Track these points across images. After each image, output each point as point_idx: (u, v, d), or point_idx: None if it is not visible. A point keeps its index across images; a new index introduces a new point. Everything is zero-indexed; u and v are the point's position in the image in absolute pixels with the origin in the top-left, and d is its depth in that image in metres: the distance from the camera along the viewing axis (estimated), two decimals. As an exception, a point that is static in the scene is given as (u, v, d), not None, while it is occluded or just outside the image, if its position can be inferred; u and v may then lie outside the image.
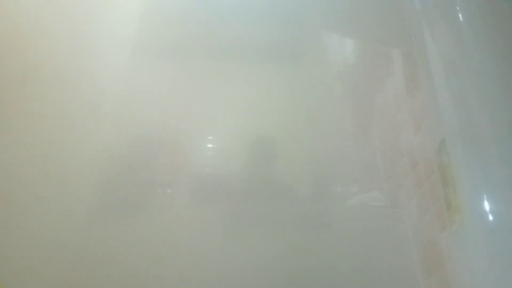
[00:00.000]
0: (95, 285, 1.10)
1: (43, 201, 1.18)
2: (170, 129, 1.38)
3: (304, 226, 1.24)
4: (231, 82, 1.49)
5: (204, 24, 1.54)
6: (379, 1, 1.34)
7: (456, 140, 0.84)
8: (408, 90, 1.19)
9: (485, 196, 0.75)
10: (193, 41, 1.53)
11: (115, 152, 1.31)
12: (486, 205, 0.74)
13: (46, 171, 1.22)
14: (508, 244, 0.71)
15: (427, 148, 1.03)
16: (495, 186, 0.75)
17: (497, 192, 0.75)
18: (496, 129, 0.79)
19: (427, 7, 1.00)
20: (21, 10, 1.37)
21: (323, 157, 1.39)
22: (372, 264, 1.15)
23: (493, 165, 0.76)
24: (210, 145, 1.41)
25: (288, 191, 1.34)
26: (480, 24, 0.88)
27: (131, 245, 1.15)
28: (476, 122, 0.81)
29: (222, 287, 1.13)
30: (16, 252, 1.10)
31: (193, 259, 1.15)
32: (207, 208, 1.27)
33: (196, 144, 1.39)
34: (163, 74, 1.46)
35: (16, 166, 1.21)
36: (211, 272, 1.13)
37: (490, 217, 0.73)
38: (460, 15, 0.89)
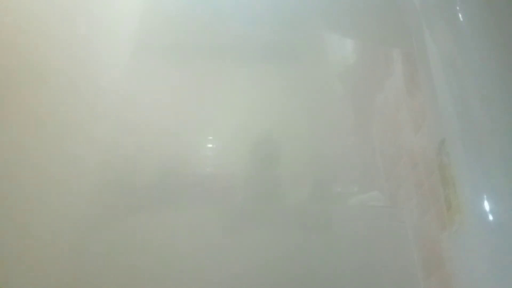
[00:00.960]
0: (95, 285, 1.10)
1: (43, 201, 1.18)
2: (170, 129, 1.38)
3: (304, 226, 1.24)
4: (231, 82, 1.49)
5: (204, 24, 1.54)
6: (379, 1, 1.34)
7: (456, 140, 0.84)
8: (408, 90, 1.19)
9: (485, 196, 0.75)
10: (193, 41, 1.53)
11: (115, 152, 1.31)
12: (486, 205, 0.74)
13: (46, 171, 1.22)
14: (508, 244, 0.71)
15: (427, 148, 1.03)
16: (495, 186, 0.75)
17: (497, 192, 0.75)
18: (496, 129, 0.79)
19: (427, 7, 1.00)
20: (21, 10, 1.36)
21: (323, 157, 1.39)
22: (372, 264, 1.15)
23: (493, 165, 0.76)
24: (210, 145, 1.41)
25: (288, 191, 1.34)
26: (480, 24, 0.88)
27: (131, 245, 1.15)
28: (476, 122, 0.81)
29: (222, 287, 1.13)
30: (16, 252, 1.10)
31: (193, 259, 1.15)
32: (207, 208, 1.27)
33: (196, 144, 1.39)
34: (163, 74, 1.46)
35: (16, 166, 1.21)
36: (211, 272, 1.13)
37: (490, 217, 0.73)
38: (460, 15, 0.89)
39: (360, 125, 1.48)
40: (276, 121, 1.42)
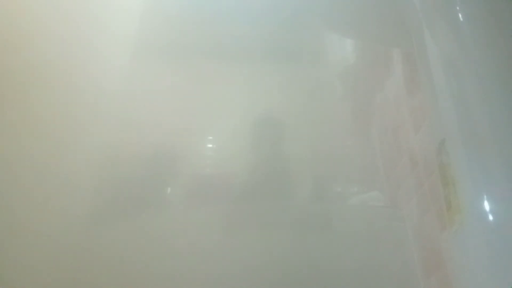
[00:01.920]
0: (96, 285, 1.10)
1: (43, 201, 1.18)
2: (170, 128, 1.38)
3: (304, 226, 1.24)
4: (231, 81, 1.49)
5: (204, 24, 1.54)
6: (379, 1, 1.34)
7: (456, 140, 0.84)
8: (408, 90, 1.19)
9: (485, 196, 0.75)
10: (193, 41, 1.53)
11: (115, 151, 1.31)
12: (486, 205, 0.74)
13: (46, 171, 1.22)
14: (508, 244, 0.71)
15: (427, 148, 1.03)
16: (495, 186, 0.75)
17: (497, 192, 0.75)
18: (496, 129, 0.79)
19: (427, 7, 1.00)
20: (21, 10, 1.37)
21: (323, 157, 1.39)
22: (372, 264, 1.15)
23: (493, 165, 0.76)
24: (210, 145, 1.41)
25: (288, 191, 1.34)
26: (480, 24, 0.88)
27: (131, 245, 1.15)
28: (476, 122, 0.81)
29: (222, 287, 1.13)
30: (16, 252, 1.10)
31: (193, 259, 1.15)
32: (207, 208, 1.27)
33: (196, 144, 1.39)
34: (163, 74, 1.46)
35: (16, 166, 1.21)
36: (211, 272, 1.13)
37: (490, 217, 0.73)
38: (460, 15, 0.89)
39: (360, 125, 1.48)
40: (276, 121, 1.42)
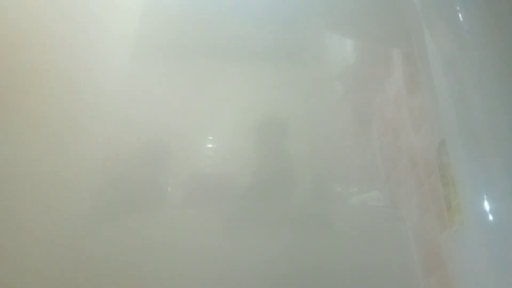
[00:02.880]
0: (95, 285, 1.10)
1: (43, 202, 1.18)
2: (170, 129, 1.38)
3: (304, 226, 1.24)
4: (231, 82, 1.49)
5: (204, 24, 1.54)
6: (379, 1, 1.34)
7: (456, 140, 0.84)
8: (408, 90, 1.19)
9: (485, 196, 0.75)
10: (193, 41, 1.53)
11: (115, 152, 1.31)
12: (486, 205, 0.74)
13: (46, 171, 1.22)
14: (508, 244, 0.71)
15: (427, 148, 1.03)
16: (495, 186, 0.75)
17: (497, 192, 0.75)
18: (496, 129, 0.79)
19: (427, 7, 1.00)
20: (21, 10, 1.36)
21: (323, 157, 1.39)
22: (372, 264, 1.15)
23: (493, 165, 0.76)
24: (210, 145, 1.41)
25: (288, 191, 1.34)
26: (480, 24, 0.88)
27: (130, 245, 1.15)
28: (476, 122, 0.81)
29: (222, 287, 1.13)
30: (16, 252, 1.10)
31: (193, 259, 1.15)
32: (207, 208, 1.27)
33: (196, 144, 1.39)
34: (163, 74, 1.46)
35: (16, 166, 1.21)
36: (211, 272, 1.13)
37: (490, 217, 0.73)
38: (460, 15, 0.89)
39: (360, 125, 1.48)
40: (276, 121, 1.42)
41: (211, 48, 1.54)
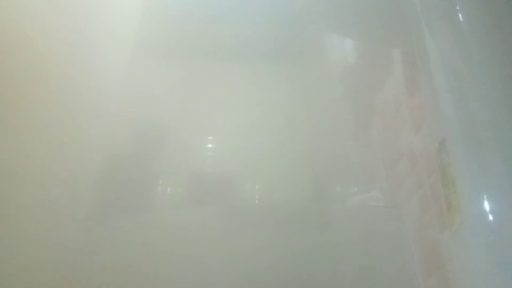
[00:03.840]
0: (95, 285, 1.10)
1: (43, 201, 1.18)
2: (170, 128, 1.38)
3: (304, 226, 1.24)
4: (231, 82, 1.49)
5: (204, 24, 1.54)
6: (379, 1, 1.34)
7: (456, 140, 0.84)
8: (408, 90, 1.19)
9: (485, 196, 0.75)
10: (194, 41, 1.53)
11: (115, 151, 1.31)
12: (486, 205, 0.74)
13: (45, 171, 1.22)
14: (508, 244, 0.71)
15: (427, 148, 1.03)
16: (495, 186, 0.75)
17: (497, 192, 0.75)
18: (496, 129, 0.79)
19: (427, 7, 1.00)
20: (21, 10, 1.36)
21: (323, 157, 1.39)
22: (372, 264, 1.15)
23: (493, 165, 0.76)
24: (210, 145, 1.41)
25: (288, 191, 1.34)
26: (480, 24, 0.88)
27: (130, 245, 1.15)
28: (476, 122, 0.81)
29: (222, 287, 1.13)
30: (16, 252, 1.10)
31: (193, 259, 1.15)
32: (207, 208, 1.27)
33: (196, 144, 1.39)
34: (163, 74, 1.46)
35: (15, 166, 1.21)
36: (210, 272, 1.13)
37: (490, 217, 0.73)
38: (460, 15, 0.89)
39: (360, 125, 1.48)
40: (276, 120, 1.42)
41: (211, 48, 1.54)
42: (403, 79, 1.23)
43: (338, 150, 1.41)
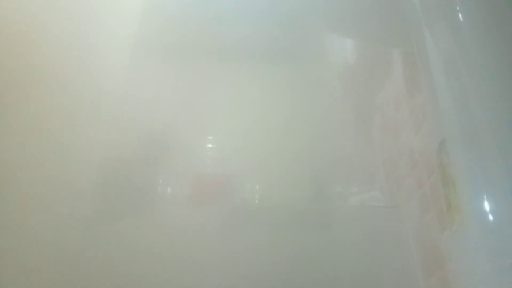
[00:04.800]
0: (95, 285, 1.10)
1: (43, 202, 1.18)
2: (170, 129, 1.38)
3: (304, 226, 1.24)
4: (232, 82, 1.49)
5: (204, 24, 1.54)
6: (379, 1, 1.34)
7: (456, 140, 0.84)
8: (408, 90, 1.19)
9: (485, 196, 0.75)
10: (194, 41, 1.53)
11: (115, 152, 1.31)
12: (486, 205, 0.74)
13: (46, 171, 1.21)
14: (508, 244, 0.71)
15: (427, 148, 1.03)
16: (495, 186, 0.75)
17: (497, 192, 0.75)
18: (496, 129, 0.79)
19: (427, 7, 1.00)
20: (21, 10, 1.36)
21: (324, 157, 1.39)
22: (372, 264, 1.15)
23: (493, 165, 0.76)
24: (210, 145, 1.41)
25: (288, 191, 1.34)
26: (480, 24, 0.88)
27: (130, 245, 1.15)
28: (476, 122, 0.81)
29: (222, 287, 1.13)
30: (16, 253, 1.10)
31: (193, 259, 1.15)
32: (207, 208, 1.27)
33: (196, 144, 1.39)
34: (163, 74, 1.46)
35: (16, 166, 1.21)
36: (211, 272, 1.13)
37: (490, 217, 0.73)
38: (460, 15, 0.89)
39: (360, 125, 1.48)
40: (276, 120, 1.42)
41: (211, 48, 1.54)
42: (403, 79, 1.23)
43: (338, 150, 1.41)
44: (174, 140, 1.37)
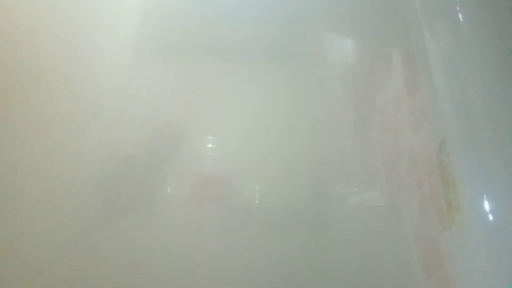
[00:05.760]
0: (95, 285, 1.10)
1: (43, 202, 1.17)
2: (170, 129, 1.38)
3: (304, 226, 1.24)
4: (232, 82, 1.49)
5: (204, 24, 1.54)
6: (379, 1, 1.34)
7: (456, 140, 0.84)
8: (408, 90, 1.19)
9: (485, 196, 0.75)
10: (194, 41, 1.53)
11: (115, 152, 1.31)
12: (486, 205, 0.74)
13: (46, 171, 1.21)
14: (508, 244, 0.71)
15: (427, 148, 1.03)
16: (495, 186, 0.75)
17: (497, 192, 0.75)
18: (496, 129, 0.79)
19: (427, 7, 1.00)
20: (21, 10, 1.36)
21: (324, 157, 1.39)
22: (372, 264, 1.15)
23: (493, 165, 0.76)
24: (210, 145, 1.41)
25: (288, 191, 1.34)
26: (480, 24, 0.88)
27: (130, 244, 1.15)
28: (476, 122, 0.81)
29: (222, 287, 1.13)
30: (16, 252, 1.10)
31: (193, 259, 1.15)
32: (207, 208, 1.27)
33: (196, 144, 1.39)
34: (163, 74, 1.46)
35: (15, 166, 1.21)
36: (210, 272, 1.13)
37: (490, 217, 0.73)
38: (460, 15, 0.89)
39: (360, 125, 1.48)
40: (276, 120, 1.42)
41: (211, 48, 1.54)
42: (403, 79, 1.23)
43: (338, 150, 1.41)
44: (174, 140, 1.37)
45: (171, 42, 1.51)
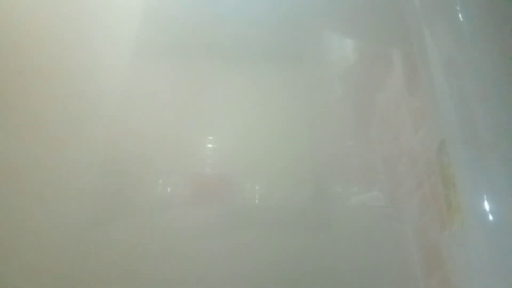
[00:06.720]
0: (95, 285, 1.10)
1: (43, 201, 1.18)
2: (170, 129, 1.38)
3: (304, 226, 1.24)
4: (232, 82, 1.49)
5: (205, 24, 1.54)
6: (379, 1, 1.34)
7: (456, 140, 0.84)
8: (408, 90, 1.19)
9: (485, 196, 0.75)
10: (194, 41, 1.53)
11: (115, 152, 1.31)
12: (486, 205, 0.74)
13: (45, 171, 1.22)
14: (508, 244, 0.71)
15: (427, 148, 1.03)
16: (495, 186, 0.75)
17: (497, 192, 0.75)
18: (496, 129, 0.79)
19: (427, 7, 1.00)
20: (21, 10, 1.37)
21: (323, 157, 1.39)
22: (372, 264, 1.15)
23: (493, 165, 0.76)
24: (210, 145, 1.41)
25: (288, 191, 1.34)
26: (480, 24, 0.88)
27: (130, 245, 1.15)
28: (476, 122, 0.81)
29: (221, 287, 1.13)
30: (16, 252, 1.10)
31: (193, 259, 1.15)
32: (207, 208, 1.27)
33: (196, 144, 1.39)
34: (164, 74, 1.46)
35: (15, 166, 1.21)
36: (210, 272, 1.13)
37: (490, 217, 0.73)
38: (460, 15, 0.89)
39: (360, 125, 1.48)
40: (276, 120, 1.42)
41: (211, 48, 1.54)
42: (403, 79, 1.23)
43: (338, 150, 1.41)
44: (174, 140, 1.37)
45: (171, 42, 1.51)
